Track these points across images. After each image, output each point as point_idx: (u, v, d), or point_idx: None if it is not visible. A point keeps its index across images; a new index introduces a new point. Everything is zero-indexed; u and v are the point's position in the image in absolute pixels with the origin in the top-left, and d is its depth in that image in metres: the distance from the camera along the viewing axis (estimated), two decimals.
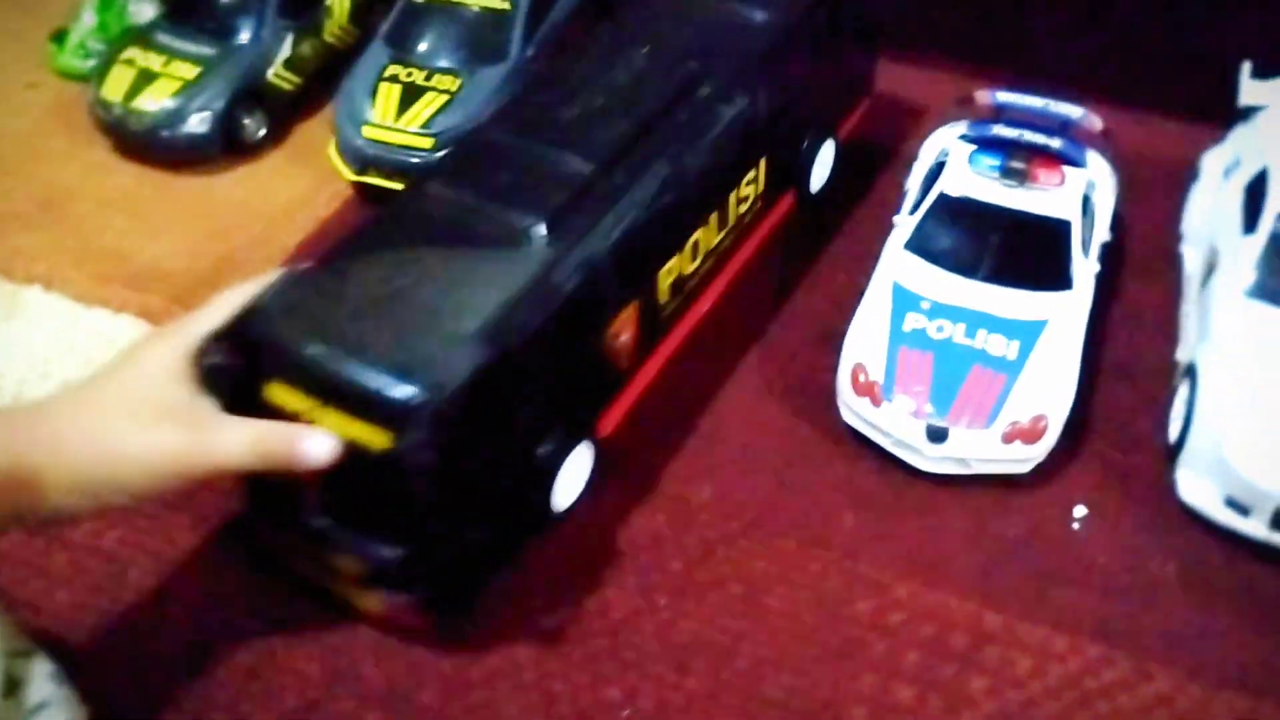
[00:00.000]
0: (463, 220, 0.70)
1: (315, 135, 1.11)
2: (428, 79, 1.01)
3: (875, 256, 0.87)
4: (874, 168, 1.06)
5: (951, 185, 0.88)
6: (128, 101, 1.06)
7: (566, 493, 0.73)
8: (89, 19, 1.21)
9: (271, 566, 0.71)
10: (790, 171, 0.93)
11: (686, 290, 0.81)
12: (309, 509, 0.65)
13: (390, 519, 0.63)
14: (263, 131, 1.11)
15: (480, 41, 1.05)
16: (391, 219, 0.72)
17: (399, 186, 0.99)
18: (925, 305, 0.83)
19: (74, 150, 1.12)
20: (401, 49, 1.04)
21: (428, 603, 0.67)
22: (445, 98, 1.00)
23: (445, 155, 0.90)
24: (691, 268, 0.81)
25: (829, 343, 0.84)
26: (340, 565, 0.66)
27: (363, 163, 1.00)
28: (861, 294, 0.85)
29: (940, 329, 0.81)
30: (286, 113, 1.14)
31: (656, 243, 0.76)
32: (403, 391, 0.58)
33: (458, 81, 1.01)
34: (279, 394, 0.61)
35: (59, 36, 1.22)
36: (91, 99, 1.09)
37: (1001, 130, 0.94)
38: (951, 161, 0.89)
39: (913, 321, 0.82)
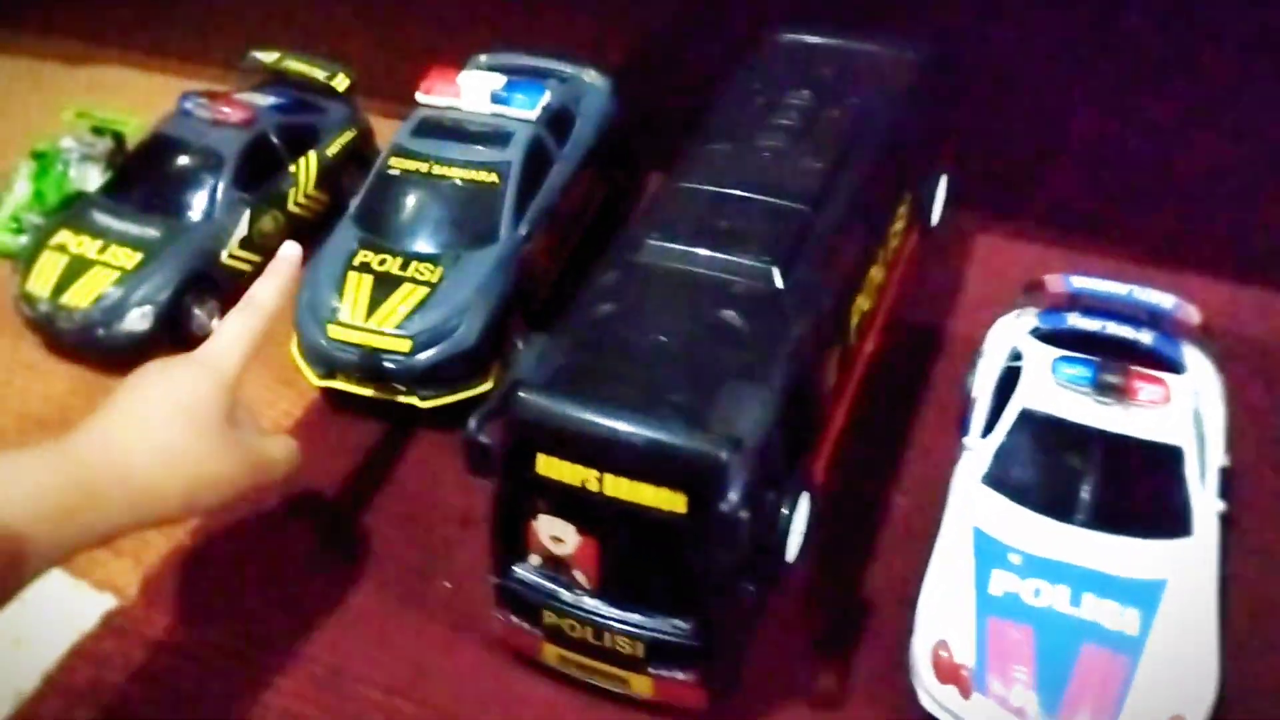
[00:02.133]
0: (693, 268, 0.69)
1: (275, 328, 0.95)
2: (404, 267, 0.87)
3: (934, 481, 0.73)
4: (923, 353, 0.92)
5: (1034, 400, 0.73)
6: (56, 296, 0.92)
7: (796, 543, 0.66)
8: (22, 189, 1.07)
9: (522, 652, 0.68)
10: (919, 205, 0.92)
11: (861, 328, 0.79)
12: (576, 587, 0.63)
13: (676, 589, 0.60)
14: (215, 322, 0.96)
15: (465, 221, 0.90)
16: (617, 272, 0.70)
17: (379, 395, 0.84)
18: (1015, 559, 0.68)
19: None
20: (373, 230, 0.90)
21: (710, 677, 0.63)
22: (424, 291, 0.85)
23: (647, 207, 0.78)
24: (868, 305, 0.80)
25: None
26: (614, 646, 0.63)
27: (329, 366, 0.85)
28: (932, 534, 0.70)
29: (1038, 592, 0.66)
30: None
31: (855, 279, 0.76)
32: (702, 449, 0.56)
33: (438, 270, 0.86)
34: (554, 467, 0.59)
35: None
36: (16, 292, 0.94)
37: (1079, 321, 0.80)
38: (1030, 369, 0.75)
39: (1002, 582, 0.67)
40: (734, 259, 0.69)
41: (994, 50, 1.03)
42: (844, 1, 1.00)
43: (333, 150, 1.07)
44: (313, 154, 1.05)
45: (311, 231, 1.03)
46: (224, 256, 0.96)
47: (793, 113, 0.82)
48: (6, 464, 0.55)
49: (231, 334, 0.68)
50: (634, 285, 0.69)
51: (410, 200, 0.91)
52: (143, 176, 1.00)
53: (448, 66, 0.99)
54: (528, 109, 0.94)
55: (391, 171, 0.93)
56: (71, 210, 0.99)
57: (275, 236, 1.01)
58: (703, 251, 0.70)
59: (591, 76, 1.07)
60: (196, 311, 0.94)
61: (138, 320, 0.91)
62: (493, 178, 0.91)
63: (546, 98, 0.95)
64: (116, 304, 0.91)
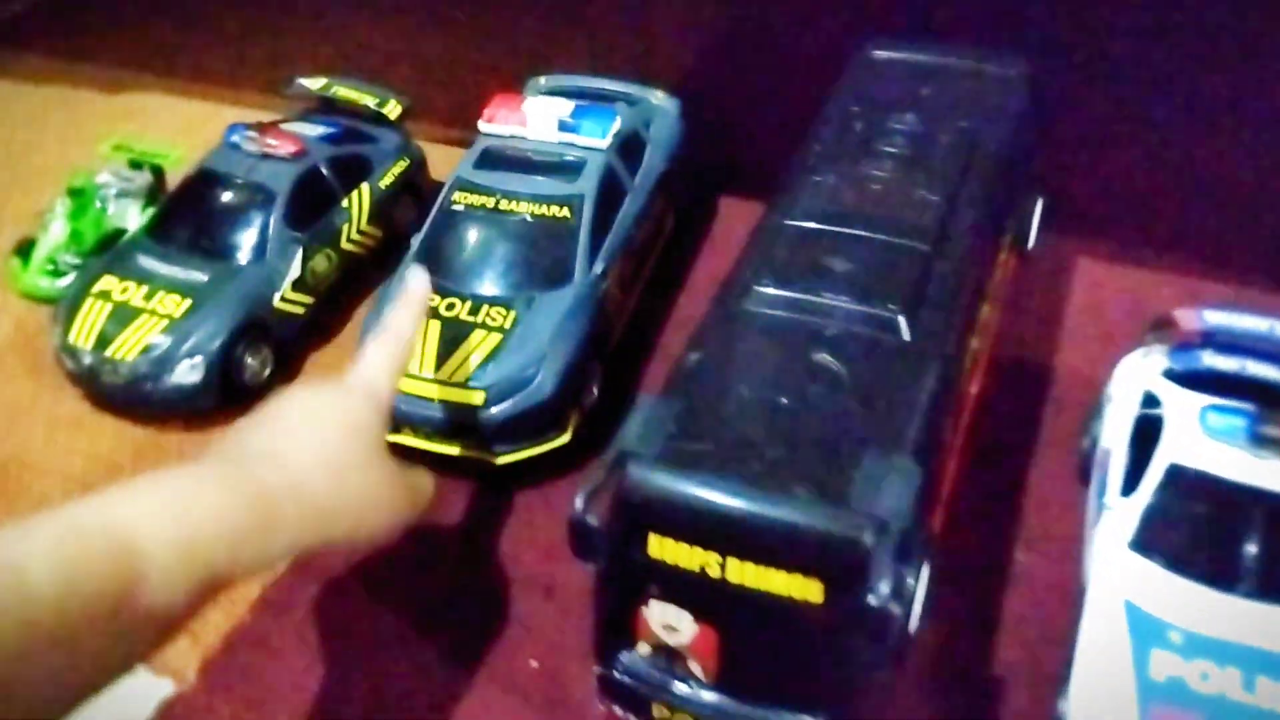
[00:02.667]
0: (810, 318, 0.62)
1: (332, 370, 0.89)
2: (473, 312, 0.80)
3: (1058, 537, 0.66)
4: (1029, 392, 0.85)
5: (1183, 455, 0.66)
6: (101, 348, 0.86)
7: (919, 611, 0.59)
8: (59, 230, 1.01)
9: None
10: (1019, 229, 0.87)
11: (972, 371, 0.72)
12: (692, 679, 0.57)
13: (809, 683, 0.55)
14: (268, 370, 0.90)
15: (537, 260, 0.84)
16: (725, 324, 0.63)
17: (450, 450, 0.78)
18: (1176, 638, 0.61)
19: (36, 401, 0.91)
20: (437, 271, 0.83)
21: None
22: (496, 338, 0.79)
23: (748, 250, 0.70)
24: (979, 344, 0.74)
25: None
26: None
27: (394, 421, 0.78)
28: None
29: (1205, 676, 0.59)
30: (296, 344, 0.93)
31: (971, 320, 0.69)
32: (842, 532, 0.50)
33: (510, 315, 0.80)
34: (669, 550, 0.54)
35: (23, 250, 1.02)
36: (57, 343, 0.88)
37: (1215, 360, 0.73)
38: (1174, 419, 0.68)
39: (1164, 664, 0.60)
40: (855, 307, 0.63)
41: (1088, 63, 0.96)
42: (934, 12, 0.93)
43: (386, 182, 1.01)
44: (365, 186, 0.99)
45: (362, 268, 0.98)
46: (276, 300, 0.90)
47: (899, 138, 0.75)
48: (174, 483, 0.52)
49: (378, 361, 0.65)
50: (746, 338, 0.63)
51: (476, 238, 0.85)
52: (188, 215, 0.94)
53: (509, 92, 0.92)
54: (599, 136, 0.88)
55: (455, 207, 0.86)
56: (114, 254, 0.93)
57: (328, 277, 0.96)
58: (819, 299, 0.63)
59: (658, 98, 1.01)
60: (249, 361, 0.88)
61: (188, 372, 0.85)
62: (565, 212, 0.85)
63: (617, 124, 0.88)
64: (165, 355, 0.85)
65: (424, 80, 1.18)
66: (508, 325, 0.79)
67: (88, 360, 0.86)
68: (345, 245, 0.97)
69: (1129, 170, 0.99)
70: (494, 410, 0.77)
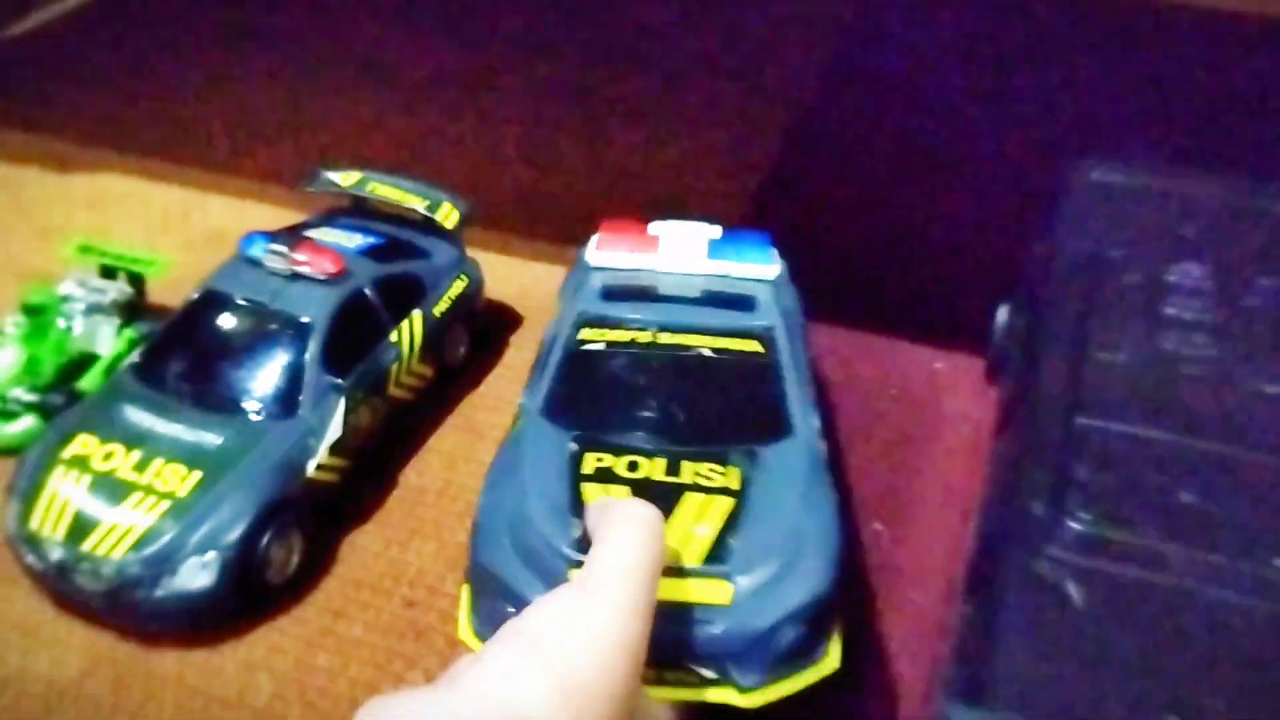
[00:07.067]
0: (1160, 579, 0.45)
1: (377, 556, 0.68)
2: (671, 470, 0.59)
3: None
4: None
5: None
6: (76, 540, 0.63)
7: None
8: (10, 357, 0.78)
9: None
10: None
11: None
12: None
13: None
14: (295, 562, 0.68)
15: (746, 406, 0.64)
16: (1054, 591, 0.45)
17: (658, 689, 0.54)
18: None
19: None
20: (586, 424, 0.62)
21: None
22: (728, 504, 0.57)
23: (1028, 458, 0.52)
24: None
25: None
26: None
27: None
28: None
29: None
30: (327, 520, 0.71)
31: None
32: None
33: (734, 472, 0.59)
34: None
35: None
36: (11, 531, 0.64)
37: None
38: None
39: None
40: (1226, 562, 0.45)
41: None
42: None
43: (441, 308, 0.80)
44: (418, 314, 0.78)
45: (403, 417, 0.77)
46: (311, 468, 0.68)
47: (1195, 300, 0.57)
48: None
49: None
50: (1080, 613, 0.45)
51: (638, 380, 0.65)
52: (192, 353, 0.72)
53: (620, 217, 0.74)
54: (765, 263, 0.71)
55: (589, 346, 0.67)
56: (92, 403, 0.70)
57: (369, 430, 0.74)
58: (1170, 549, 0.45)
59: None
60: (275, 553, 0.66)
61: (196, 573, 0.63)
62: (757, 347, 0.66)
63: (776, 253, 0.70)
64: (166, 551, 0.62)
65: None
66: (735, 485, 0.58)
67: (56, 555, 0.63)
68: (393, 390, 0.75)
69: None
70: (748, 614, 0.53)
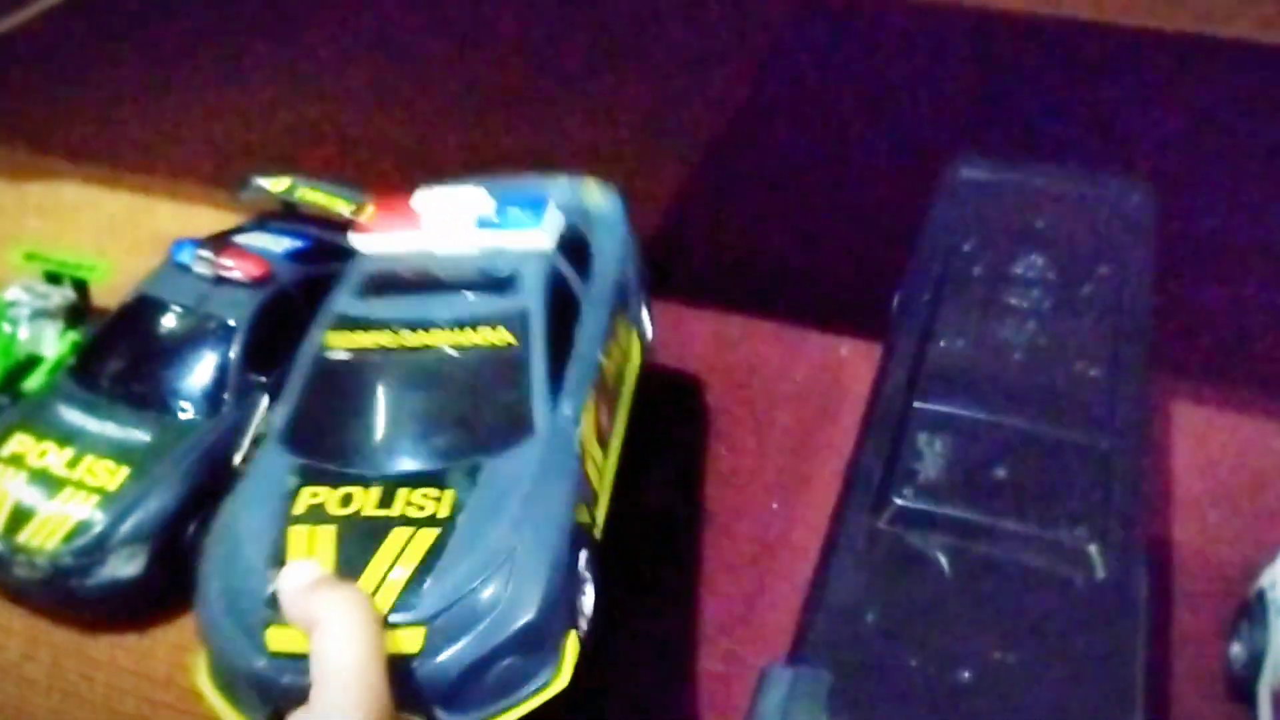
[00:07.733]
0: (972, 546, 0.49)
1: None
2: (386, 502, 0.55)
3: None
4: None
5: None
6: (11, 532, 0.67)
7: None
8: None
9: None
10: None
11: None
12: None
13: None
14: None
15: (476, 409, 0.60)
16: (863, 557, 0.49)
17: None
18: None
19: None
20: (318, 453, 0.59)
21: None
22: (430, 536, 0.53)
23: (876, 443, 0.56)
24: None
25: None
26: None
27: (268, 697, 0.52)
28: None
29: None
30: None
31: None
32: None
33: (448, 496, 0.56)
34: None
35: None
36: None
37: None
38: None
39: None
40: (1033, 532, 0.49)
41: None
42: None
43: None
44: None
45: None
46: (237, 461, 0.73)
47: (1033, 290, 0.62)
48: None
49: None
50: (899, 580, 0.49)
51: (374, 394, 0.61)
52: (123, 355, 0.76)
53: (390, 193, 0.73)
54: (536, 230, 0.66)
55: (333, 355, 0.63)
56: (29, 404, 0.74)
57: None
58: (983, 520, 0.50)
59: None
60: (201, 542, 0.70)
61: (125, 562, 0.68)
62: (507, 336, 0.61)
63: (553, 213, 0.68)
64: (96, 541, 0.67)
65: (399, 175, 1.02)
66: (444, 513, 0.54)
67: None
68: None
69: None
70: (443, 658, 0.50)
